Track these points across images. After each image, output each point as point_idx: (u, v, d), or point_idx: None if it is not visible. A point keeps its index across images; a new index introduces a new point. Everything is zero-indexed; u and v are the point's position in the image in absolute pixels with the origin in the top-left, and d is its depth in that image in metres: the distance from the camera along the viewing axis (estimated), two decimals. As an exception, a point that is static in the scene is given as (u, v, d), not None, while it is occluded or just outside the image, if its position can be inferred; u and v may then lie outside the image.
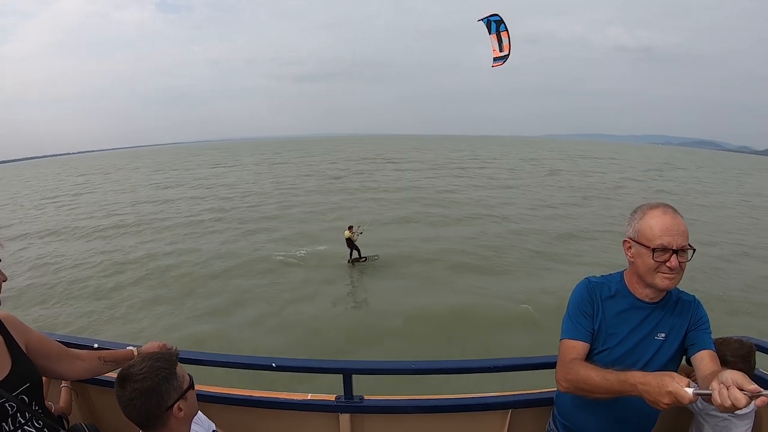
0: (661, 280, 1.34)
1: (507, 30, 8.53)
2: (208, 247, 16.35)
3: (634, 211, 1.43)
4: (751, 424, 1.76)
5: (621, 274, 1.50)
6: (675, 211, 1.35)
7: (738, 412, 1.20)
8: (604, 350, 1.43)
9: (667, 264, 1.31)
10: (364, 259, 13.87)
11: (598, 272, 1.65)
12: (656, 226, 1.32)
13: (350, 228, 13.79)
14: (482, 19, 8.58)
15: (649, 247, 1.32)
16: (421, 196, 26.82)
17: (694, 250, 1.33)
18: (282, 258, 14.56)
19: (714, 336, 1.47)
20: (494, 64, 8.81)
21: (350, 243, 13.78)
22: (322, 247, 15.48)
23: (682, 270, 1.33)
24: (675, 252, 1.30)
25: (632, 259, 1.41)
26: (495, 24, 8.50)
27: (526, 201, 25.43)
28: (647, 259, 1.34)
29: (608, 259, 13.40)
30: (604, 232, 17.61)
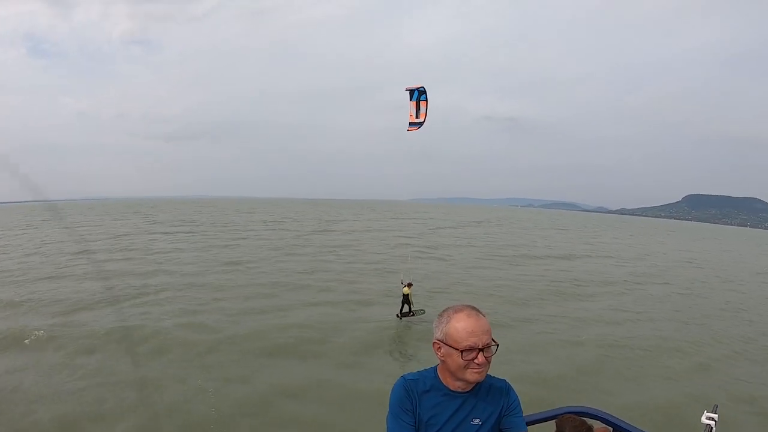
0: (471, 375, 1.44)
1: (427, 100, 9.41)
2: None
3: (441, 315, 1.52)
4: None
5: (434, 369, 1.58)
6: (478, 312, 1.47)
7: None
8: None
9: (475, 361, 1.41)
10: (412, 314, 14.14)
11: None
12: (462, 329, 1.42)
13: (409, 285, 14.16)
14: (409, 89, 9.49)
15: (457, 349, 1.42)
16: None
17: (498, 345, 1.45)
18: None
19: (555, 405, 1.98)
20: (409, 128, 9.62)
21: (407, 299, 14.17)
22: None
23: (489, 363, 1.45)
24: (481, 350, 1.41)
25: (443, 358, 1.49)
26: (418, 93, 9.40)
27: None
28: (457, 359, 1.43)
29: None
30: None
